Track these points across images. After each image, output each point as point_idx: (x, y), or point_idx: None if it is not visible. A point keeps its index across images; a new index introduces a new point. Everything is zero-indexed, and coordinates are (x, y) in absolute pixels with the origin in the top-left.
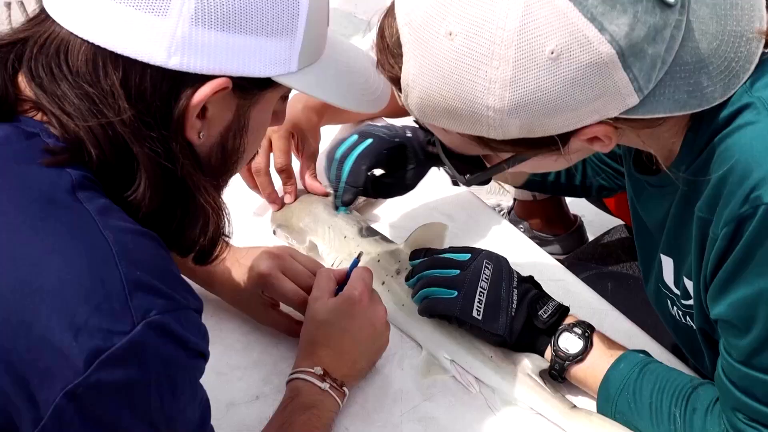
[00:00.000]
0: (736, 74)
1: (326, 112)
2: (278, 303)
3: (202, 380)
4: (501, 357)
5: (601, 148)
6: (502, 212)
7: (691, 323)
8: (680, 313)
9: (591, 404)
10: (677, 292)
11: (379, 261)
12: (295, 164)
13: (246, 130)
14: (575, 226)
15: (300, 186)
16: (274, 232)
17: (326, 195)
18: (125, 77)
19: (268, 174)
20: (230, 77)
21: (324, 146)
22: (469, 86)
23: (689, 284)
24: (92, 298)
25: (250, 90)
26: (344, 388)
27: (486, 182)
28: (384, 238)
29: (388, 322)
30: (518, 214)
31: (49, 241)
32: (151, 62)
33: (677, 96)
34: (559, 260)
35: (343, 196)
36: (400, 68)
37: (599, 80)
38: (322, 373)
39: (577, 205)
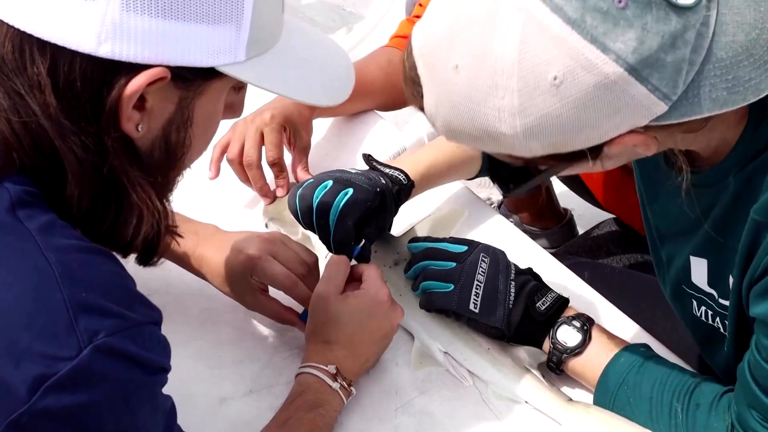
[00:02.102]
0: None
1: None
2: (267, 288)
3: (195, 376)
4: (498, 349)
5: (645, 152)
6: (492, 205)
7: (719, 325)
8: (709, 314)
9: (588, 398)
10: (711, 291)
11: (376, 252)
12: (287, 157)
13: (191, 122)
14: (565, 219)
15: (292, 179)
16: (266, 225)
17: None
18: (53, 66)
19: (260, 167)
20: (168, 67)
21: (315, 139)
22: (481, 116)
23: (731, 283)
24: (34, 323)
25: (193, 80)
26: (352, 388)
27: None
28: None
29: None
30: (509, 208)
31: None
32: (80, 50)
33: (715, 94)
34: (549, 254)
35: (337, 254)
36: (422, 98)
37: (612, 98)
38: (335, 372)
39: (566, 199)
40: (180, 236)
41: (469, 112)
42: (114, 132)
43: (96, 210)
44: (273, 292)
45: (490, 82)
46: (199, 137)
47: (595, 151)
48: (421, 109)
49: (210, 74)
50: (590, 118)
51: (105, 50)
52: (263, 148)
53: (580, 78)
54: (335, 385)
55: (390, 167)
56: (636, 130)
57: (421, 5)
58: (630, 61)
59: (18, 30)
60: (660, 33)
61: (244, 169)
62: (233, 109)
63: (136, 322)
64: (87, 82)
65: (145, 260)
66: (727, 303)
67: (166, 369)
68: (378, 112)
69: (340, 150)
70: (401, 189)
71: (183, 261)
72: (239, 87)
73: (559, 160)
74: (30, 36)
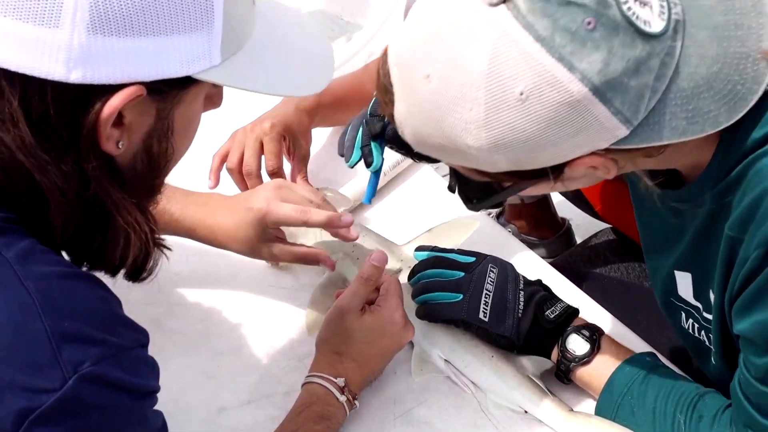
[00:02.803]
0: (742, 96)
1: (318, 114)
2: (284, 237)
3: (193, 385)
4: (501, 357)
5: (605, 176)
6: (490, 215)
7: (704, 338)
8: (695, 326)
9: (590, 410)
10: (697, 304)
11: None
12: (286, 167)
13: (171, 132)
14: (563, 229)
15: None
16: None
17: None
18: (24, 96)
19: (259, 177)
20: (143, 83)
21: (314, 149)
22: (449, 127)
23: (713, 298)
24: (15, 356)
25: (170, 92)
26: (356, 401)
27: (496, 206)
28: (381, 238)
29: None
30: (506, 217)
31: None
32: (51, 78)
33: (674, 123)
34: (548, 263)
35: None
36: (393, 105)
37: (575, 117)
38: (343, 385)
39: (564, 209)
40: (169, 249)
41: (437, 122)
42: (94, 155)
43: (82, 237)
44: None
45: (459, 93)
46: (179, 144)
47: (556, 171)
48: (391, 117)
49: (186, 82)
50: (553, 135)
51: (76, 76)
52: (263, 157)
53: (545, 94)
54: (342, 398)
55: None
56: (597, 153)
57: None
58: (595, 82)
59: None
60: (625, 57)
61: (244, 179)
62: (213, 101)
63: (121, 347)
64: (61, 110)
65: (134, 277)
66: (710, 317)
67: (155, 391)
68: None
69: (338, 160)
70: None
71: (194, 233)
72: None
73: (521, 178)
74: None
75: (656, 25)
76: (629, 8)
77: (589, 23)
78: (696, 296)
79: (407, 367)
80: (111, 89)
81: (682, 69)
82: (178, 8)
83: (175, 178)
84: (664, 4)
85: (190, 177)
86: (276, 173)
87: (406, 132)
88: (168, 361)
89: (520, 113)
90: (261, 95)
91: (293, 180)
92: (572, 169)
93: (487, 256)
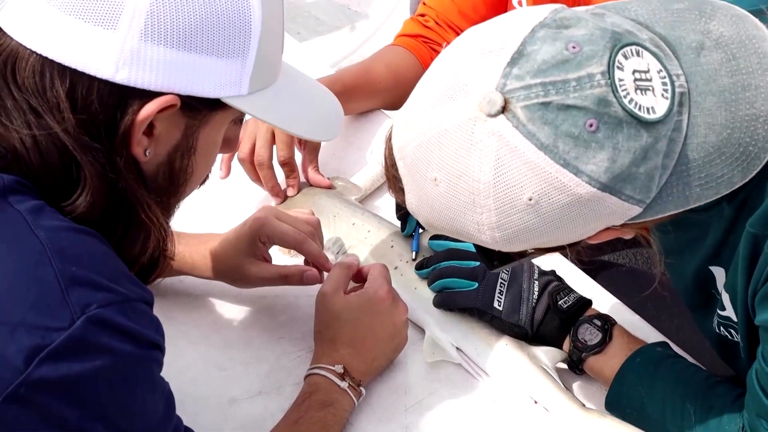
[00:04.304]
0: (756, 156)
1: None
2: (270, 259)
3: (204, 377)
4: (515, 346)
5: (620, 235)
6: None
7: (725, 333)
8: (716, 322)
9: (601, 407)
10: (718, 298)
11: (392, 246)
12: (298, 157)
13: (194, 150)
14: None
15: (302, 179)
16: None
17: (329, 187)
18: (71, 89)
19: (271, 167)
20: (179, 95)
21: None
22: (460, 225)
23: (726, 297)
24: (26, 296)
25: (200, 110)
26: (361, 388)
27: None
28: (393, 225)
29: (408, 320)
30: None
31: None
32: (98, 75)
33: (688, 192)
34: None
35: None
36: (404, 193)
37: (587, 211)
38: (342, 371)
39: None
40: (172, 259)
41: (449, 220)
42: (125, 154)
43: (105, 225)
44: None
45: (468, 199)
46: (200, 166)
47: (573, 245)
48: (403, 202)
49: (215, 105)
50: (566, 228)
51: (122, 76)
52: (274, 147)
53: (554, 198)
54: (343, 384)
55: None
56: (612, 228)
57: (425, 4)
58: (602, 180)
59: (41, 56)
60: (631, 150)
61: (255, 169)
62: (230, 143)
63: (126, 297)
64: (103, 105)
65: (143, 278)
66: (724, 314)
67: (160, 346)
68: (384, 111)
69: (347, 149)
70: None
71: (195, 267)
72: (238, 120)
73: (539, 251)
74: (51, 61)
75: (660, 108)
76: (630, 100)
77: (591, 125)
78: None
79: (418, 357)
80: (149, 95)
81: (691, 140)
82: (222, 32)
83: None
84: (666, 80)
85: None
86: (287, 163)
87: (420, 219)
88: (179, 353)
89: (531, 215)
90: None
91: (304, 170)
92: (589, 241)
93: None
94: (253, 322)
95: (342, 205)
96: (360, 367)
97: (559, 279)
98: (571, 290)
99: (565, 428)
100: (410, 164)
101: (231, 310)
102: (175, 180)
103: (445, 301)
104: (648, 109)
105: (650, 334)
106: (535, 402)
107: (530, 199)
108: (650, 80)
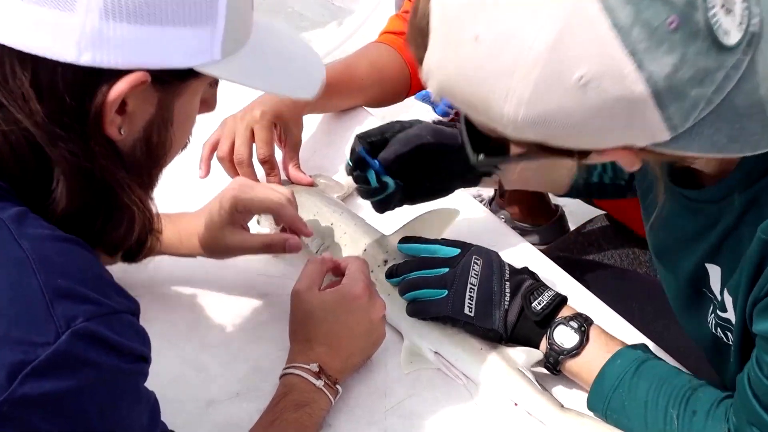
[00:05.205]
0: None
1: (309, 101)
2: (248, 229)
3: (181, 379)
4: (490, 350)
5: (626, 167)
6: (483, 201)
7: (721, 334)
8: (713, 322)
9: (581, 405)
10: (720, 299)
11: (365, 250)
12: (278, 154)
13: (171, 123)
14: (556, 216)
15: (283, 176)
16: (258, 222)
17: (311, 185)
18: (35, 77)
19: (250, 165)
20: (148, 71)
21: (306, 136)
22: (487, 92)
23: (728, 299)
24: (10, 310)
25: (172, 82)
26: (337, 386)
27: (489, 173)
28: (370, 227)
29: (384, 317)
30: (499, 204)
31: None
32: (61, 60)
33: (716, 138)
34: (540, 250)
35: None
36: (425, 50)
37: (627, 115)
38: (317, 370)
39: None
40: (159, 232)
41: (475, 85)
42: (99, 136)
43: (86, 214)
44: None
45: (510, 63)
46: (178, 136)
47: (582, 154)
48: (420, 59)
49: (188, 75)
50: (597, 127)
51: (86, 59)
52: (254, 145)
53: (605, 86)
54: (319, 383)
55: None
56: (630, 148)
57: (410, 0)
58: (659, 86)
59: None
60: (695, 66)
61: (235, 167)
62: (208, 104)
63: (112, 309)
64: (70, 91)
65: (131, 258)
66: (725, 316)
67: (146, 359)
68: (367, 108)
69: (329, 147)
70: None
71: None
72: (214, 82)
73: (542, 150)
74: (11, 49)
75: (733, 37)
76: (714, 15)
77: (671, 23)
78: (720, 291)
79: (398, 359)
80: (118, 74)
81: (743, 85)
82: (187, 0)
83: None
84: (745, 14)
85: (180, 166)
86: (267, 161)
87: (432, 81)
88: (156, 354)
89: (572, 97)
90: (239, 85)
91: (285, 168)
92: (599, 156)
93: (472, 246)
94: (231, 323)
95: (322, 204)
96: (336, 365)
97: (533, 275)
98: (545, 288)
99: (544, 430)
100: (451, 17)
101: (209, 310)
102: (153, 154)
103: (417, 311)
104: (725, 32)
105: (633, 335)
106: (516, 404)
107: (580, 79)
108: (734, 5)
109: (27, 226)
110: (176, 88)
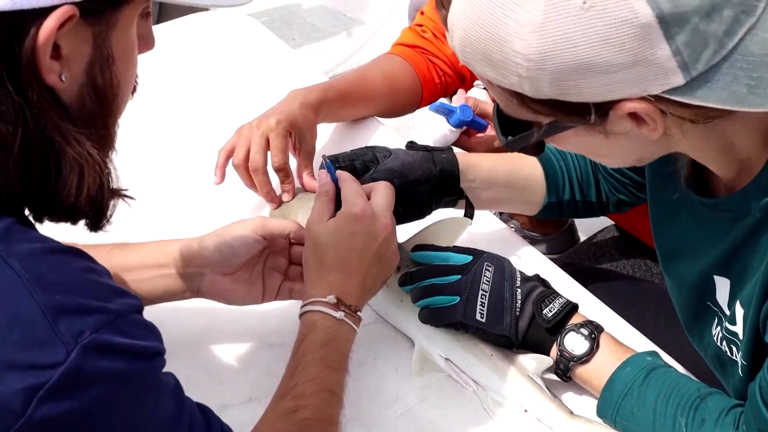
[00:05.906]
0: None
1: (323, 110)
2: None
3: (194, 383)
4: (501, 356)
5: (650, 133)
6: (492, 211)
7: (726, 348)
8: (720, 336)
9: (590, 413)
10: (728, 313)
11: None
12: (292, 162)
13: (112, 60)
14: (566, 225)
15: (297, 184)
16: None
17: None
18: None
19: (265, 173)
20: (74, 3)
21: (320, 144)
22: (501, 28)
23: (740, 312)
24: (11, 336)
25: (102, 12)
26: (358, 313)
27: (529, 151)
28: None
29: (394, 235)
30: (508, 213)
31: None
32: None
33: (735, 87)
34: (551, 259)
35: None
36: (450, 5)
37: (634, 44)
38: (335, 301)
39: None
40: (131, 198)
41: (489, 24)
42: (37, 87)
43: (35, 177)
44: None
45: None
46: (124, 73)
47: (600, 111)
48: (444, 20)
49: (116, 2)
50: (605, 60)
51: (4, 2)
52: (269, 153)
53: (610, 8)
54: (339, 315)
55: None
56: (646, 98)
57: (422, 13)
58: (663, 9)
59: None
60: None
61: (250, 175)
62: (146, 40)
63: (118, 312)
64: None
65: (95, 224)
66: (734, 329)
67: (160, 351)
68: (379, 118)
69: None
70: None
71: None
72: (145, 13)
73: (563, 112)
74: None
75: None
76: None
77: None
78: (729, 305)
79: (409, 365)
80: (43, 14)
81: (758, 33)
82: None
83: (181, 173)
84: None
85: (196, 172)
86: (282, 169)
87: (455, 36)
88: (169, 360)
89: (579, 23)
90: (272, 94)
91: (299, 176)
92: (617, 113)
93: (484, 253)
94: (243, 328)
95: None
96: (352, 291)
97: (544, 283)
98: (556, 295)
99: None
100: None
101: (221, 316)
102: (103, 99)
103: (430, 318)
104: None
105: (644, 344)
106: (525, 411)
107: (585, 2)
108: None
109: (15, 243)
110: (108, 19)
